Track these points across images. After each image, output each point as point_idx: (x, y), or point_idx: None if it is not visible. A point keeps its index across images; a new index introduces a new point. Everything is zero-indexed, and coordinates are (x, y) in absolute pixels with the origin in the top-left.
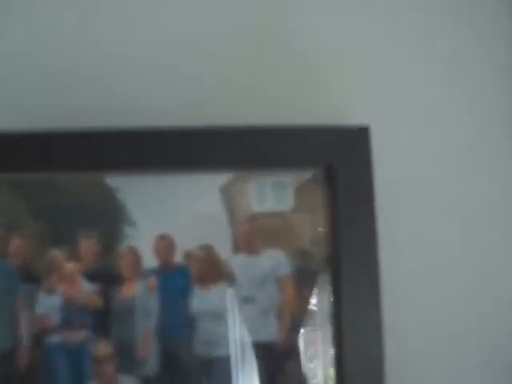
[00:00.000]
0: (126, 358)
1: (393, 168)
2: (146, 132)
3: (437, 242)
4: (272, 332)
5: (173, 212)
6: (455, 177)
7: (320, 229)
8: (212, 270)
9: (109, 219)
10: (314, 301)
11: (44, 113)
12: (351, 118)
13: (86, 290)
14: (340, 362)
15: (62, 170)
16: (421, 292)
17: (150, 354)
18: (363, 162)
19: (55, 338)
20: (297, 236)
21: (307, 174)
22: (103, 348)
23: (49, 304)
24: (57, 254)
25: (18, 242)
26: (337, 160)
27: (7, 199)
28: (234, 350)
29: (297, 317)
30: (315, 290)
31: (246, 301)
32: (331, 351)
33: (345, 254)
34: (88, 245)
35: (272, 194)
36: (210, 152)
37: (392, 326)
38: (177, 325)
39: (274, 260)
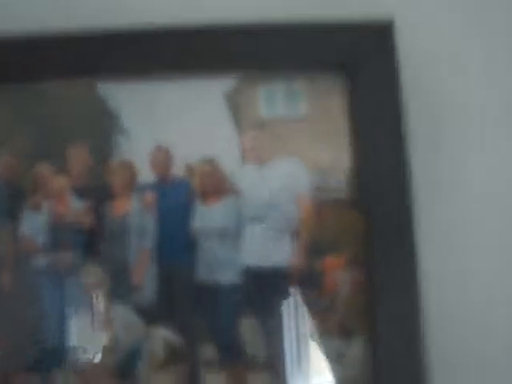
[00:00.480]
0: (118, 284)
1: (420, 68)
2: (141, 32)
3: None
4: (285, 256)
5: (171, 121)
6: (488, 75)
7: (339, 140)
8: (216, 184)
9: (101, 130)
10: (337, 220)
11: (30, 13)
12: (374, 11)
13: (76, 208)
14: (371, 290)
15: (50, 77)
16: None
17: (145, 279)
18: (388, 63)
19: (40, 261)
20: (313, 148)
21: (323, 78)
22: (94, 273)
23: (34, 223)
24: (44, 168)
25: (4, 157)
26: (358, 61)
27: None
28: (240, 276)
29: (315, 240)
30: (337, 209)
31: (255, 219)
32: (355, 278)
33: (369, 167)
34: (78, 158)
35: (283, 100)
36: (213, 53)
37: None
38: (176, 246)
39: (289, 172)
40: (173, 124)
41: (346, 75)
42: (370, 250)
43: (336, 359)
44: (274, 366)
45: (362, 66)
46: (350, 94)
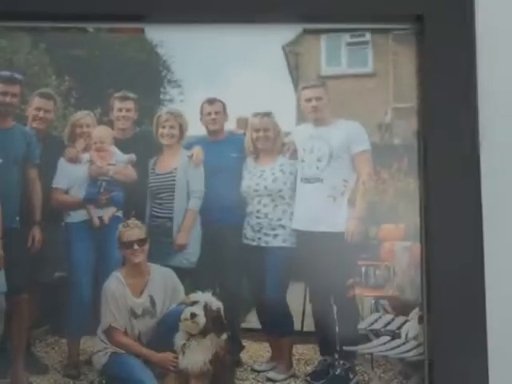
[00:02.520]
0: (160, 244)
1: (498, 22)
2: None
3: None
4: (341, 221)
5: (225, 73)
6: None
7: (406, 98)
8: (270, 142)
9: (148, 79)
10: (396, 187)
11: None
12: None
13: (119, 161)
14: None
15: (92, 19)
16: None
17: (190, 240)
18: (462, 16)
19: (77, 216)
20: (376, 106)
21: (391, 31)
22: (135, 231)
23: (71, 175)
24: (85, 117)
25: (39, 103)
26: (429, 13)
27: (27, 52)
28: (291, 240)
29: (373, 206)
30: (399, 173)
31: (309, 180)
32: (413, 249)
33: (436, 127)
34: (123, 108)
35: (347, 54)
36: (273, 1)
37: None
38: (224, 206)
39: (349, 133)
40: (227, 76)
41: (421, 28)
42: (429, 220)
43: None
44: (323, 334)
45: (438, 18)
46: (422, 49)
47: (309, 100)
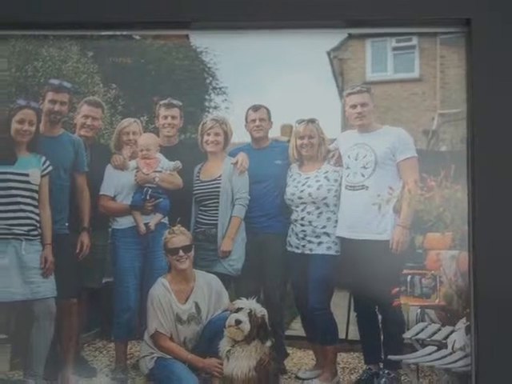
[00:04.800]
0: (205, 250)
1: None
2: None
3: None
4: (385, 229)
5: (269, 79)
6: None
7: (454, 103)
8: (314, 149)
9: (193, 86)
10: (443, 195)
11: None
12: None
13: (164, 168)
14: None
15: (138, 26)
16: None
17: (234, 247)
18: (511, 18)
19: (124, 222)
20: (423, 112)
21: (438, 35)
22: (180, 238)
23: (118, 182)
24: (131, 124)
25: (87, 110)
26: (477, 16)
27: (76, 60)
28: (335, 247)
29: (419, 214)
30: (446, 180)
31: (354, 188)
32: (461, 258)
33: (485, 135)
34: (168, 115)
35: (393, 59)
36: (318, 5)
37: None
38: (269, 213)
39: (395, 140)
40: (272, 82)
41: (469, 31)
42: (476, 228)
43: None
44: (367, 343)
45: (487, 21)
46: (471, 52)
47: (354, 106)
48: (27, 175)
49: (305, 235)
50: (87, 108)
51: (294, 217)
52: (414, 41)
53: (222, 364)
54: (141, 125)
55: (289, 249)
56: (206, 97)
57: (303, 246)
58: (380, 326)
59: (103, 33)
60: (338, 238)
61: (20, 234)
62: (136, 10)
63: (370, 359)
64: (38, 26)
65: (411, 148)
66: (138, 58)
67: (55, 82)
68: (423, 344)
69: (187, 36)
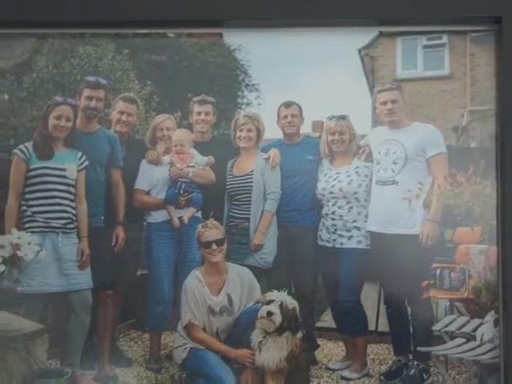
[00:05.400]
0: (237, 244)
1: None
2: None
3: None
4: (415, 223)
5: (301, 76)
6: None
7: (484, 100)
8: (345, 145)
9: (226, 83)
10: (472, 190)
11: None
12: None
13: (198, 163)
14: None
15: (172, 24)
16: None
17: (266, 241)
18: None
19: (158, 216)
20: (452, 108)
21: (468, 33)
22: (213, 231)
23: (153, 177)
24: (165, 120)
25: (122, 106)
26: (508, 14)
27: (111, 58)
28: (366, 241)
29: (448, 209)
30: (475, 176)
31: (385, 183)
32: (489, 252)
33: None
34: (202, 111)
35: (423, 56)
36: (349, 3)
37: None
38: (300, 208)
39: (424, 136)
40: (303, 79)
41: (500, 29)
42: (505, 222)
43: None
44: (397, 335)
45: None
46: (501, 50)
47: (384, 103)
48: (64, 170)
49: (335, 229)
50: (122, 104)
51: (324, 211)
52: (445, 39)
53: (253, 354)
54: (175, 121)
55: (320, 243)
56: (239, 93)
57: (334, 239)
58: (409, 318)
59: (138, 31)
60: (368, 232)
61: (57, 228)
62: (170, 8)
63: (399, 351)
64: (75, 24)
65: (441, 144)
66: (173, 55)
67: (91, 78)
68: (452, 336)
69: (221, 34)
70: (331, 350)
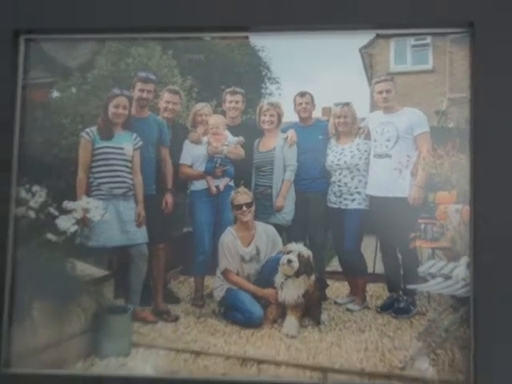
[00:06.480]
0: (263, 206)
1: None
2: None
3: None
4: (405, 188)
5: (313, 71)
6: None
7: (460, 89)
8: (348, 126)
9: (252, 77)
10: (450, 162)
11: None
12: None
13: (230, 142)
14: (475, 222)
15: (208, 30)
16: None
17: (286, 203)
18: (509, 20)
19: (199, 185)
20: (435, 96)
21: (448, 35)
22: (243, 196)
23: (194, 154)
24: (203, 107)
25: (168, 97)
26: (479, 18)
27: (159, 57)
28: (365, 203)
29: (431, 177)
30: (453, 150)
31: (380, 156)
32: (463, 211)
33: (485, 115)
34: (233, 100)
35: (411, 54)
36: (352, 11)
37: None
38: (313, 177)
39: (412, 118)
40: (315, 73)
41: (473, 32)
42: (476, 187)
43: (444, 278)
44: (390, 276)
45: (487, 23)
46: (474, 48)
47: (380, 92)
48: (122, 149)
49: (341, 194)
50: (168, 95)
51: (332, 179)
52: (429, 40)
53: (277, 293)
54: (211, 108)
55: (328, 204)
56: (263, 85)
57: (340, 202)
58: (400, 263)
59: (180, 35)
60: (367, 195)
61: (118, 195)
62: (207, 17)
63: (392, 288)
64: (128, 30)
65: (425, 125)
66: (208, 54)
67: (143, 74)
68: (433, 276)
69: (247, 37)
70: (338, 289)
